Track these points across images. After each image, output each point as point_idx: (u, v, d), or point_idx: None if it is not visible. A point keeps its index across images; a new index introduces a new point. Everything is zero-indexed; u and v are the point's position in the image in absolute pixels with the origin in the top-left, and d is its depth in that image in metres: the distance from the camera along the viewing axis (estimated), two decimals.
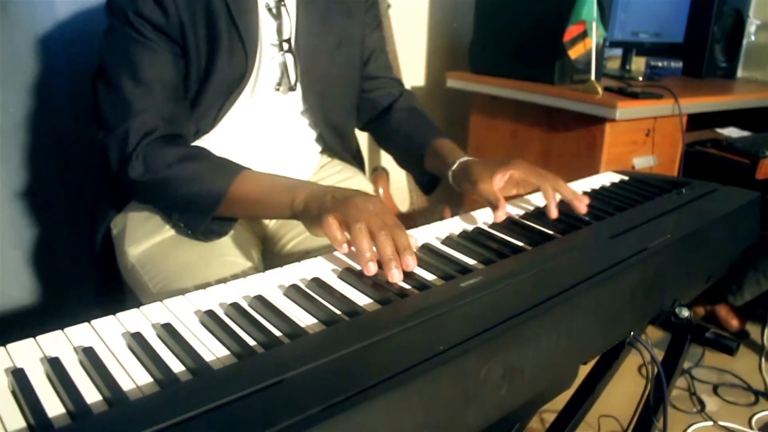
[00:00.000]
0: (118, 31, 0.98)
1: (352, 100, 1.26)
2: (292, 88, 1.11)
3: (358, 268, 0.77)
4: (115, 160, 0.97)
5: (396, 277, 0.74)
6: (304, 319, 0.66)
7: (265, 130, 1.13)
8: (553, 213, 0.96)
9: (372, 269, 0.75)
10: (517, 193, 1.05)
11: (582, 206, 0.97)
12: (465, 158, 1.08)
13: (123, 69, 0.97)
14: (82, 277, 1.45)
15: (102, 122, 0.99)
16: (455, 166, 1.07)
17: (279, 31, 1.08)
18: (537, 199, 1.09)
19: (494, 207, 0.95)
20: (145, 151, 0.95)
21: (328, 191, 0.85)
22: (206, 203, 0.94)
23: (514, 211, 1.02)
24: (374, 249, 0.76)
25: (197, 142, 1.07)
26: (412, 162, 1.24)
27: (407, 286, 0.73)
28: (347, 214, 0.78)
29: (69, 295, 1.50)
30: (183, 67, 1.01)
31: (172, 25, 0.97)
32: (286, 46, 1.08)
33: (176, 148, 0.97)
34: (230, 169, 0.95)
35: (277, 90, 1.11)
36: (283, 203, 0.89)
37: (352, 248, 0.78)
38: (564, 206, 1.03)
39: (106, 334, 0.61)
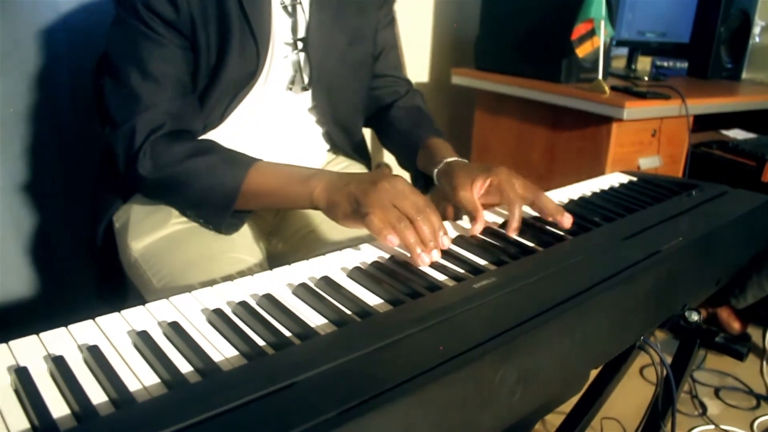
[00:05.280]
0: (127, 23, 0.96)
1: (361, 98, 1.24)
2: (305, 88, 1.10)
3: (366, 265, 0.76)
4: (122, 158, 0.95)
5: (436, 256, 0.78)
6: (315, 320, 0.64)
7: (272, 126, 1.11)
8: (509, 232, 0.89)
9: (426, 261, 0.77)
10: (500, 203, 0.97)
11: (566, 221, 0.90)
12: (452, 159, 1.05)
13: (130, 63, 0.95)
14: (83, 271, 1.43)
15: (108, 118, 0.97)
16: (441, 165, 1.05)
17: (294, 30, 1.06)
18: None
19: (472, 218, 0.91)
20: (152, 147, 0.93)
21: (348, 180, 0.84)
22: (221, 198, 0.93)
23: (525, 210, 1.01)
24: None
25: (204, 137, 1.05)
26: (407, 160, 1.22)
27: (418, 287, 0.72)
28: (387, 212, 0.79)
29: (69, 289, 1.49)
30: (192, 62, 0.99)
31: (183, 20, 0.95)
32: (300, 44, 1.07)
33: (184, 143, 0.95)
34: (242, 161, 0.94)
35: (290, 89, 1.09)
36: (301, 195, 0.88)
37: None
38: (574, 207, 1.02)
39: (112, 332, 0.59)
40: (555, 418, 1.14)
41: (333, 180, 0.86)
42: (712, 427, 1.74)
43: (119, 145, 0.95)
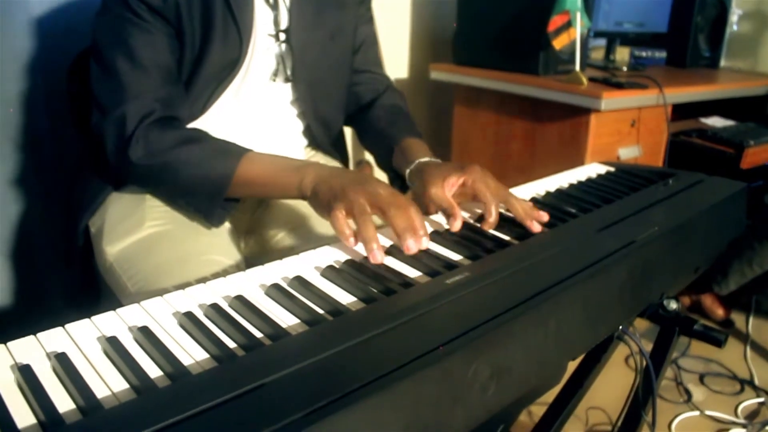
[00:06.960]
0: (114, 12, 0.97)
1: (342, 95, 1.25)
2: (288, 79, 1.11)
3: (340, 264, 0.76)
4: (112, 144, 0.95)
5: (412, 247, 0.77)
6: (286, 320, 0.64)
7: (253, 119, 1.12)
8: (486, 227, 0.89)
9: (378, 257, 0.76)
10: (473, 201, 0.96)
11: (535, 226, 0.88)
12: (425, 159, 1.04)
13: (118, 51, 0.95)
14: (59, 275, 1.42)
15: (97, 105, 0.97)
16: (413, 165, 1.04)
17: (276, 22, 1.07)
18: (521, 193, 1.07)
19: (448, 215, 0.89)
20: (144, 134, 0.94)
21: (336, 174, 0.85)
22: (213, 186, 0.93)
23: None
24: (378, 238, 0.77)
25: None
26: (384, 160, 1.21)
27: (392, 284, 0.71)
28: (354, 204, 0.78)
29: (44, 293, 1.47)
30: (178, 49, 1.00)
31: (169, 8, 0.96)
32: (282, 36, 1.08)
33: (175, 130, 0.96)
34: (234, 151, 0.94)
35: (273, 80, 1.10)
36: (291, 184, 0.89)
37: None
38: (550, 199, 1.02)
39: (81, 338, 0.59)
40: (540, 409, 1.15)
41: (323, 172, 0.87)
42: (697, 413, 1.75)
43: (109, 132, 0.95)
